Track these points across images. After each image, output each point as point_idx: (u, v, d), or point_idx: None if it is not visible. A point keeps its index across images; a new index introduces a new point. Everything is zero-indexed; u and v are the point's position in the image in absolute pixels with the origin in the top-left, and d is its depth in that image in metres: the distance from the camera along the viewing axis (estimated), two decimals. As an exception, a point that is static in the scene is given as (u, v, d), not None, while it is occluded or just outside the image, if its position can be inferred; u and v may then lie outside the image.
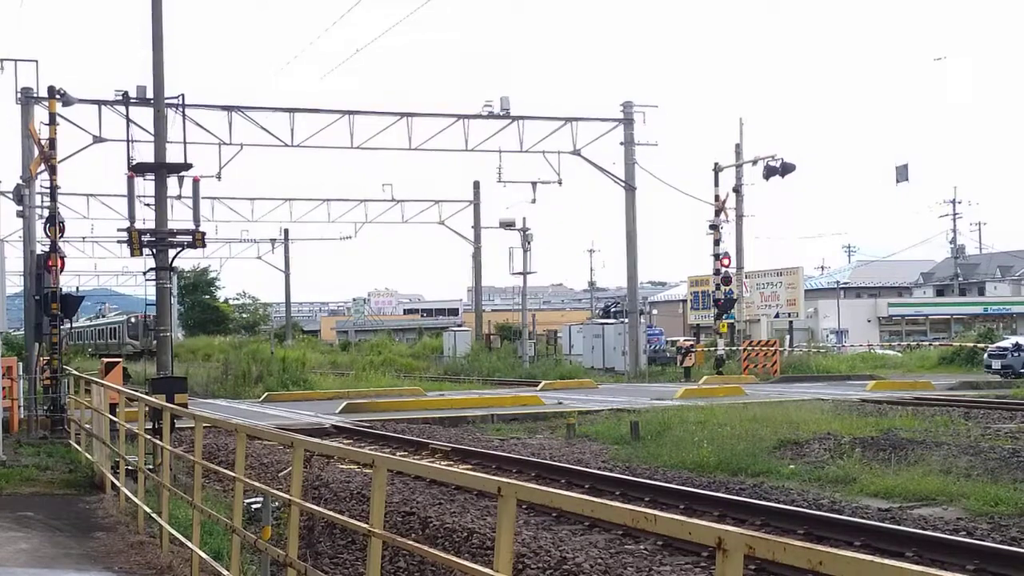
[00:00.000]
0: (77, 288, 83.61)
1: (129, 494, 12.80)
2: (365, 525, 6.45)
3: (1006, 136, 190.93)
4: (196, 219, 23.45)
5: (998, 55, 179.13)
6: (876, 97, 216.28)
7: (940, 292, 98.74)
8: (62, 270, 23.35)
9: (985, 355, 39.85)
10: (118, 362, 21.14)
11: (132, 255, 23.36)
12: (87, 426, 16.95)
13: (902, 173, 47.84)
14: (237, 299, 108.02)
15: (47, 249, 24.28)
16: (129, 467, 13.54)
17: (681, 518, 3.97)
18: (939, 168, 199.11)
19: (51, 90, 24.64)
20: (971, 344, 47.24)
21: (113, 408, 15.32)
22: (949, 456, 16.28)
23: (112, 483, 14.24)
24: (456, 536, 12.15)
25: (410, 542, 6.54)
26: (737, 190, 45.30)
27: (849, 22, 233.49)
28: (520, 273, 52.54)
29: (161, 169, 23.39)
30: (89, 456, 16.37)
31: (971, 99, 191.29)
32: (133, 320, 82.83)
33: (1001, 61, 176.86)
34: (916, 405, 25.51)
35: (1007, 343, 39.29)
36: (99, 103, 37.12)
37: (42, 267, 23.48)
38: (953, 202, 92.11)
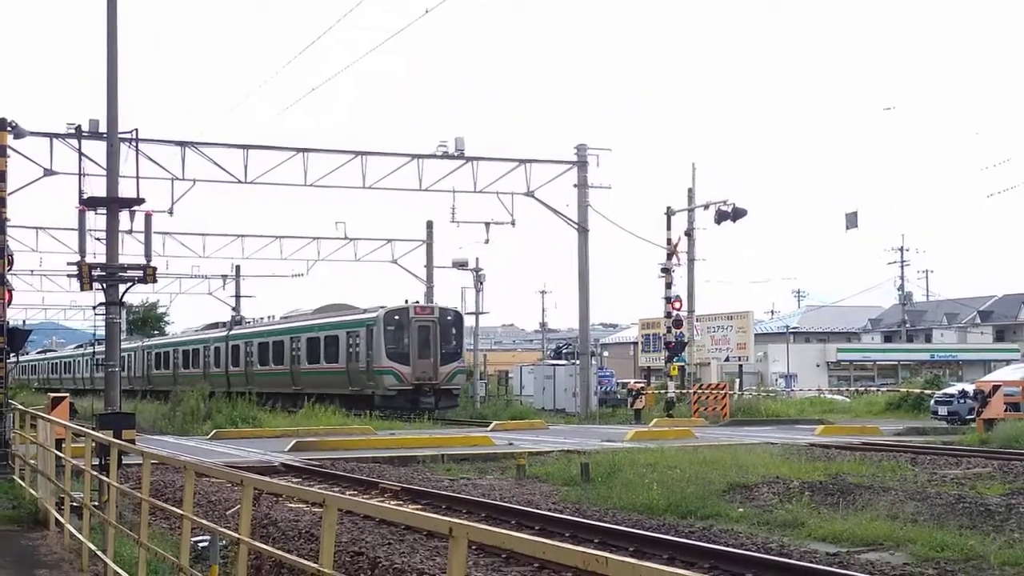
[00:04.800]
0: (24, 322, 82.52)
1: (74, 531, 12.64)
2: (315, 565, 6.41)
3: (953, 185, 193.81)
4: (147, 254, 23.36)
5: (945, 105, 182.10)
6: (827, 145, 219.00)
7: (888, 338, 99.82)
8: (10, 303, 23.05)
9: (932, 401, 40.17)
10: (65, 397, 20.89)
11: (82, 289, 23.20)
12: (32, 461, 16.74)
13: (851, 220, 48.28)
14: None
15: (-5, 282, 24.00)
16: (74, 503, 13.37)
17: (632, 560, 3.98)
18: (887, 216, 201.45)
19: (2, 122, 24.39)
20: (918, 390, 47.65)
21: (59, 443, 15.14)
22: (896, 501, 16.40)
23: (56, 519, 14.04)
24: (405, 577, 12.08)
25: (360, 582, 6.50)
26: (689, 234, 45.60)
27: (801, 71, 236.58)
28: (472, 313, 52.61)
29: (113, 204, 23.28)
30: (33, 492, 16.15)
31: (919, 149, 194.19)
32: None
33: (948, 111, 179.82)
34: (864, 450, 25.70)
35: (953, 390, 39.65)
36: (51, 136, 36.93)
37: (-11, 300, 23.19)
38: (901, 249, 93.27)
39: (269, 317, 61.31)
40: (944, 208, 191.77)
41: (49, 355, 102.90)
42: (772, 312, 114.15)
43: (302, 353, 51.34)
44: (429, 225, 59.00)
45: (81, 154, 26.95)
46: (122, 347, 74.67)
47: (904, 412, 44.96)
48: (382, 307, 46.34)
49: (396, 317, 45.37)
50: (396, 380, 44.35)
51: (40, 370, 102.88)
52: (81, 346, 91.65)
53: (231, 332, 61.21)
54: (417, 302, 47.36)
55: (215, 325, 66.54)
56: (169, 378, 66.46)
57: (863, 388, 66.08)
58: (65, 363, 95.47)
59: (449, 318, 46.86)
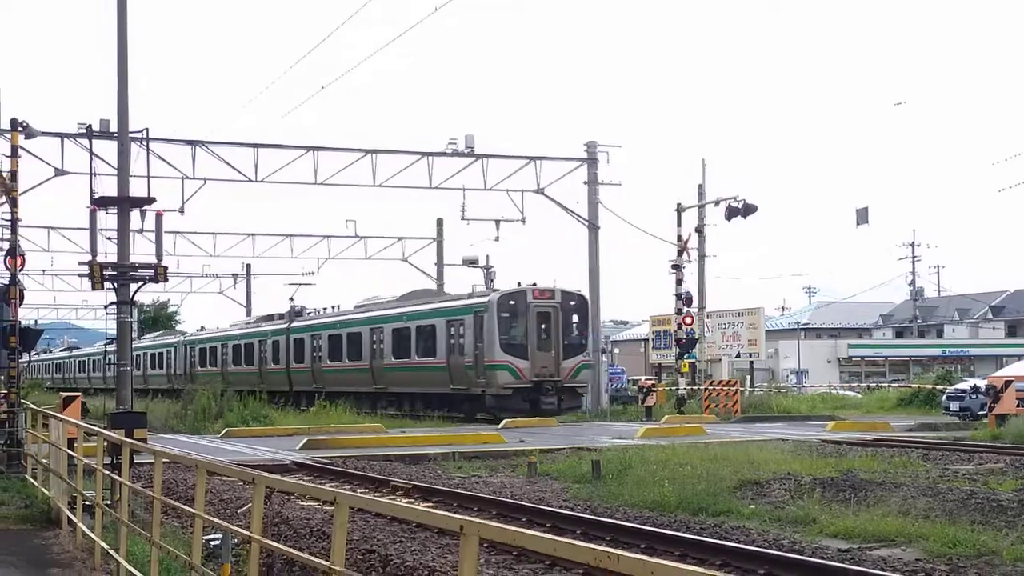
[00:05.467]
0: (36, 321, 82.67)
1: (86, 530, 12.67)
2: (326, 563, 6.43)
3: (964, 180, 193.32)
4: (159, 253, 23.35)
5: (956, 100, 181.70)
6: (837, 141, 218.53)
7: (899, 334, 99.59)
8: (21, 303, 23.14)
9: (943, 397, 40.13)
10: (77, 396, 20.96)
11: (93, 288, 23.19)
12: (44, 461, 16.79)
13: (862, 216, 48.15)
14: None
15: (7, 282, 24.09)
16: (86, 502, 13.41)
17: (644, 558, 3.98)
18: (898, 211, 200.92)
19: (14, 122, 24.51)
20: (929, 386, 47.55)
21: (71, 443, 15.18)
22: (908, 497, 16.37)
23: (69, 518, 14.09)
24: (417, 574, 12.09)
25: (371, 580, 6.51)
26: (699, 230, 45.56)
27: (811, 67, 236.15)
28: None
29: (124, 203, 23.30)
30: (46, 491, 16.20)
31: (930, 144, 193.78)
32: None
33: (959, 106, 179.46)
34: (875, 446, 25.66)
35: (965, 385, 39.59)
36: (62, 136, 37.04)
37: (1, 299, 23.28)
38: (912, 245, 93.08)
39: (334, 307, 55.31)
40: (955, 203, 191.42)
41: (76, 353, 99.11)
42: (783, 308, 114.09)
43: (386, 346, 45.27)
44: (439, 223, 59.02)
45: (92, 154, 27.02)
46: (161, 343, 71.51)
47: (916, 408, 44.88)
48: (495, 290, 40.87)
49: (511, 302, 39.54)
50: (512, 377, 38.55)
51: (65, 368, 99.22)
52: (112, 341, 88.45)
53: (293, 324, 54.84)
54: (534, 284, 40.30)
55: (270, 317, 60.83)
56: (216, 376, 59.45)
57: (874, 384, 65.95)
58: (94, 361, 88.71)
59: (572, 303, 40.98)
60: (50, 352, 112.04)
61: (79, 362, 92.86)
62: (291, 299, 60.42)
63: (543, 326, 39.48)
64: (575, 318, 40.81)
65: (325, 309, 55.76)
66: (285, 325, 55.30)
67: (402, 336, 44.31)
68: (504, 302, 39.32)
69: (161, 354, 73.01)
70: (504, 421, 35.03)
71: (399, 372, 44.22)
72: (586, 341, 41.02)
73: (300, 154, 42.29)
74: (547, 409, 38.13)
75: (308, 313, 56.30)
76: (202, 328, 72.35)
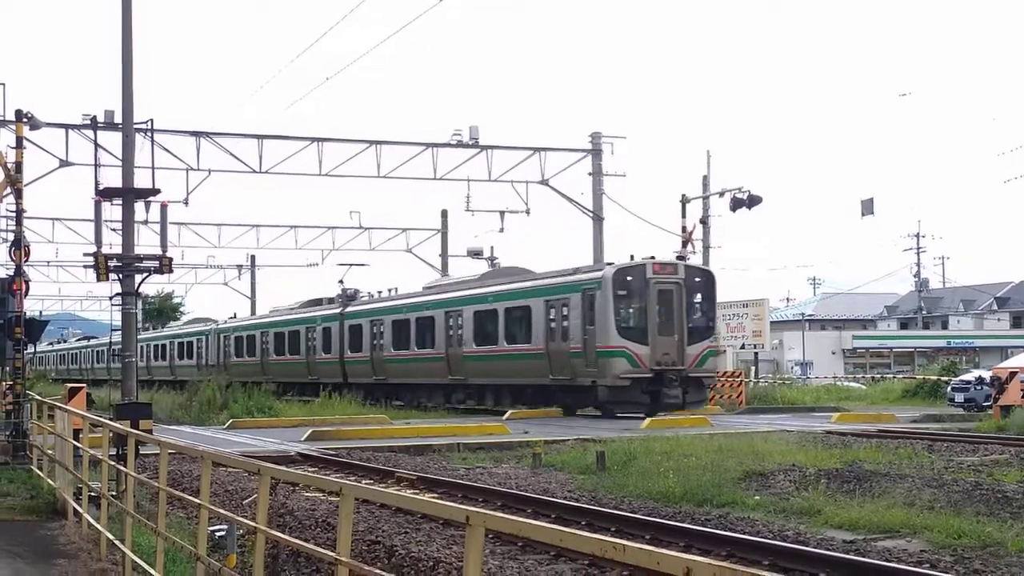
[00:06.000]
0: (41, 312, 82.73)
1: (92, 520, 12.69)
2: (331, 553, 6.43)
3: (969, 171, 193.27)
4: (163, 244, 23.42)
5: (961, 91, 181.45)
6: (842, 132, 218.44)
7: (904, 325, 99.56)
8: (26, 294, 23.15)
9: (948, 388, 40.07)
10: (82, 387, 20.99)
11: (98, 280, 23.26)
12: (50, 452, 16.82)
13: (867, 207, 48.17)
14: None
15: (11, 273, 24.10)
16: (92, 493, 13.43)
17: (649, 548, 3.98)
18: (904, 202, 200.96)
19: (18, 113, 24.49)
20: (934, 377, 47.51)
21: (76, 434, 15.21)
22: (913, 489, 16.36)
23: (74, 509, 14.12)
24: (422, 565, 12.10)
25: (376, 571, 6.52)
26: (704, 221, 45.49)
27: (817, 58, 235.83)
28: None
29: (129, 194, 23.35)
30: (51, 482, 16.23)
31: (935, 135, 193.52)
32: None
33: (964, 97, 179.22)
34: (880, 437, 25.64)
35: (970, 376, 39.52)
36: (67, 127, 36.97)
37: (6, 291, 23.27)
38: (917, 236, 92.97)
39: (391, 290, 50.68)
40: (960, 194, 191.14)
41: (93, 343, 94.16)
42: (788, 299, 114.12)
43: (465, 332, 40.17)
44: (444, 214, 58.96)
45: (97, 145, 26.97)
46: (190, 331, 68.96)
47: (920, 399, 44.84)
48: (608, 264, 35.61)
49: (628, 278, 34.25)
50: (630, 365, 33.39)
51: (82, 359, 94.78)
52: (147, 327, 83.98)
53: (347, 309, 49.73)
54: (652, 257, 35.04)
55: (318, 301, 55.41)
56: (254, 367, 56.40)
57: (879, 375, 65.93)
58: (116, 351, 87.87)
59: (698, 280, 35.90)
60: (65, 342, 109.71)
61: (97, 352, 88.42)
62: (340, 282, 55.63)
63: (664, 306, 34.36)
64: (699, 297, 35.69)
65: (380, 292, 51.77)
66: (338, 310, 50.13)
67: (486, 319, 39.33)
68: (620, 278, 34.00)
69: (190, 343, 68.75)
70: (509, 412, 34.93)
71: (482, 361, 39.23)
72: (713, 323, 36.43)
73: (304, 145, 42.23)
74: (670, 403, 33.35)
75: (362, 297, 51.72)
76: (234, 315, 67.91)
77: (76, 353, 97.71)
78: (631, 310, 34.36)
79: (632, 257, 35.00)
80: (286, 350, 54.55)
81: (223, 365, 60.64)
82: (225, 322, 66.53)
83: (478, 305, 39.80)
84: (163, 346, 74.21)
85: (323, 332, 50.83)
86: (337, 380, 48.46)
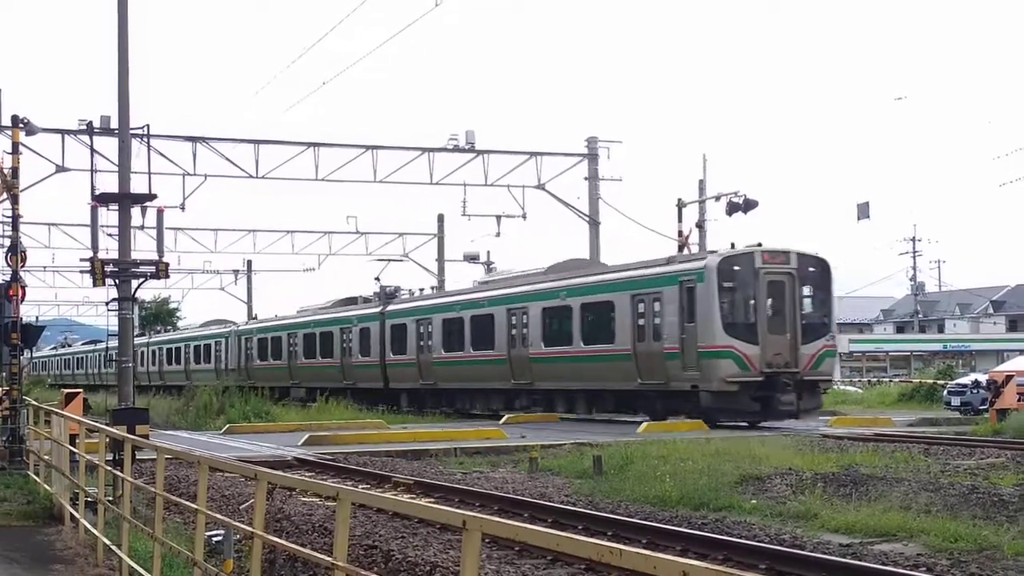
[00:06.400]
0: (37, 318, 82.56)
1: (88, 526, 12.69)
2: (328, 558, 6.44)
3: (965, 175, 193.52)
4: (160, 250, 23.39)
5: (957, 94, 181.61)
6: (838, 135, 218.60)
7: (900, 329, 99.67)
8: (23, 299, 23.16)
9: (944, 392, 40.10)
10: (78, 393, 20.98)
11: (95, 285, 23.24)
12: (46, 457, 16.81)
13: (863, 211, 48.27)
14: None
15: (8, 278, 24.10)
16: (89, 499, 13.43)
17: (646, 552, 3.99)
18: (899, 206, 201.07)
19: (15, 119, 24.51)
20: (931, 381, 47.56)
21: (73, 439, 15.20)
22: (909, 492, 16.37)
23: (71, 515, 14.11)
24: (419, 570, 12.10)
25: (373, 575, 6.53)
26: (700, 225, 45.51)
27: (812, 62, 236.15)
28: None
29: (125, 199, 23.33)
30: (48, 487, 16.23)
31: (931, 138, 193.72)
32: None
33: (960, 100, 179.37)
34: (876, 441, 25.65)
35: (966, 380, 39.53)
36: (63, 132, 37.05)
37: (3, 296, 23.29)
38: (913, 240, 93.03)
39: (434, 288, 48.39)
40: (956, 198, 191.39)
41: (100, 347, 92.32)
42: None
43: (531, 331, 36.53)
44: (440, 218, 59.06)
45: (93, 150, 27.02)
46: (206, 333, 66.83)
47: (917, 403, 44.87)
48: (711, 252, 31.93)
49: (735, 268, 30.53)
50: (738, 367, 29.64)
51: (88, 363, 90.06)
52: (143, 333, 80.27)
53: (389, 307, 46.01)
54: (759, 244, 31.20)
55: (352, 300, 52.08)
56: (280, 371, 53.49)
57: (875, 379, 65.95)
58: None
59: (812, 269, 31.83)
60: (69, 346, 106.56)
61: (104, 357, 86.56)
62: (377, 279, 52.36)
63: (775, 300, 30.82)
64: (813, 288, 31.93)
65: (422, 290, 49.24)
66: (378, 309, 46.32)
67: (558, 317, 35.74)
68: (726, 268, 30.32)
69: (208, 346, 65.13)
70: (505, 417, 34.83)
71: (553, 363, 35.48)
72: (829, 319, 32.32)
73: (301, 150, 42.29)
74: (784, 411, 29.96)
75: (403, 294, 48.41)
76: (255, 316, 64.57)
77: (82, 358, 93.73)
78: (739, 304, 30.72)
79: (732, 245, 31.51)
80: (317, 352, 51.05)
81: (245, 369, 57.74)
82: (247, 323, 63.16)
83: (547, 301, 36.20)
84: (177, 349, 70.91)
85: (361, 333, 47.18)
86: (376, 385, 45.76)
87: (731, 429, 29.31)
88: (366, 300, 50.14)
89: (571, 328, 34.96)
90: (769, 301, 30.68)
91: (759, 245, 30.90)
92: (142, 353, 75.06)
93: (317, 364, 50.80)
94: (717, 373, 29.65)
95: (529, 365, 36.55)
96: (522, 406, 37.15)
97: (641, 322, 32.22)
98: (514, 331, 37.48)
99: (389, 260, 59.83)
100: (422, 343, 42.68)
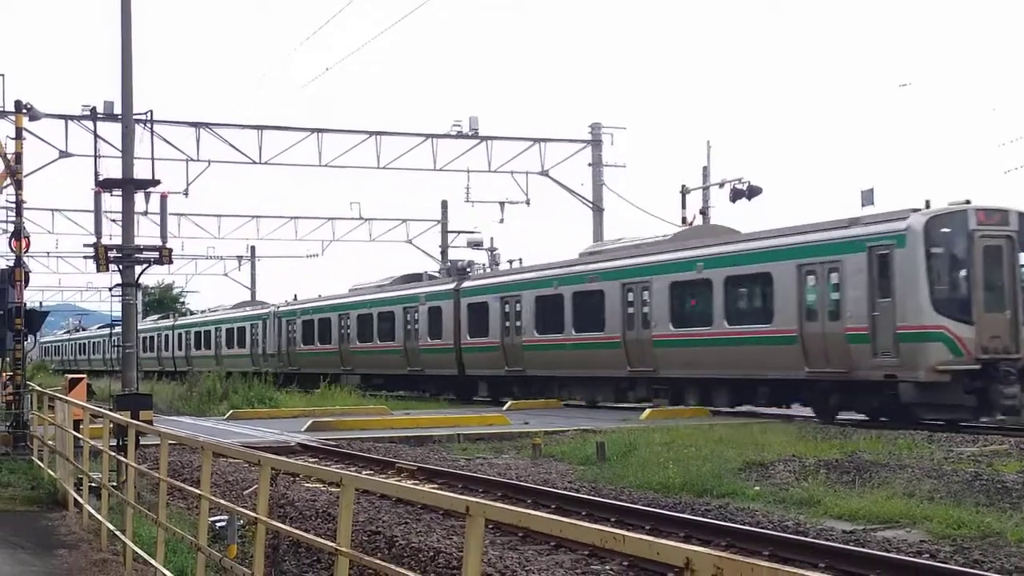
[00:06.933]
0: (41, 303, 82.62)
1: (92, 511, 12.71)
2: (332, 544, 6.45)
3: (970, 161, 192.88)
4: (163, 235, 23.39)
5: (962, 81, 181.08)
6: (842, 122, 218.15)
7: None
8: (27, 285, 23.17)
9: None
10: (82, 378, 21.00)
11: (98, 271, 23.26)
12: (50, 443, 16.84)
13: (867, 197, 47.92)
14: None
15: (12, 263, 24.11)
16: (93, 484, 13.45)
17: (649, 538, 3.98)
18: (903, 192, 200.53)
19: (18, 104, 24.49)
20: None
21: (77, 425, 15.22)
22: (912, 479, 16.37)
23: (75, 500, 14.14)
24: (422, 556, 12.12)
25: (377, 561, 6.53)
26: (704, 212, 45.46)
27: (816, 47, 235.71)
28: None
29: (128, 185, 23.32)
30: (52, 473, 16.26)
31: (935, 125, 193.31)
32: None
33: (964, 87, 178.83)
34: (880, 428, 25.64)
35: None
36: (66, 118, 37.05)
37: (6, 282, 23.28)
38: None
39: (511, 262, 42.86)
40: (961, 184, 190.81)
41: (117, 331, 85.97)
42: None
43: (656, 310, 31.43)
44: (444, 205, 59.01)
45: (96, 136, 26.97)
46: (240, 315, 63.60)
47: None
48: (913, 210, 25.39)
49: (945, 230, 25.27)
50: (950, 352, 24.45)
51: (104, 348, 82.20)
52: (167, 316, 77.68)
53: (464, 284, 41.03)
54: (968, 202, 25.66)
55: (415, 277, 47.38)
56: (331, 357, 49.01)
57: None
58: (147, 339, 74.74)
59: None
60: (83, 330, 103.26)
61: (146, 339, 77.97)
62: (443, 253, 49.27)
63: (991, 269, 25.33)
64: None
65: (498, 265, 44.50)
66: (451, 285, 41.43)
67: (692, 293, 30.99)
68: (934, 230, 25.02)
69: (241, 329, 60.51)
70: (509, 403, 34.73)
71: (685, 347, 30.58)
72: None
73: (304, 136, 42.29)
74: (1007, 405, 24.67)
75: (477, 269, 44.21)
76: (295, 297, 57.97)
77: (97, 342, 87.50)
78: (949, 276, 25.51)
79: (928, 203, 25.58)
80: (374, 335, 46.15)
81: (286, 355, 53.94)
82: (287, 305, 56.86)
83: (678, 274, 30.87)
84: (207, 333, 66.06)
85: (429, 313, 42.13)
86: (448, 372, 41.48)
87: (733, 415, 29.30)
88: (431, 277, 46.31)
89: (711, 305, 29.65)
90: (984, 271, 25.19)
91: (968, 203, 25.53)
92: (167, 337, 72.78)
93: (375, 348, 46.19)
94: (924, 360, 24.40)
95: (651, 350, 31.48)
96: (639, 397, 33.06)
97: (811, 298, 26.83)
98: (631, 309, 32.30)
99: (458, 233, 54.13)
100: (508, 324, 37.57)
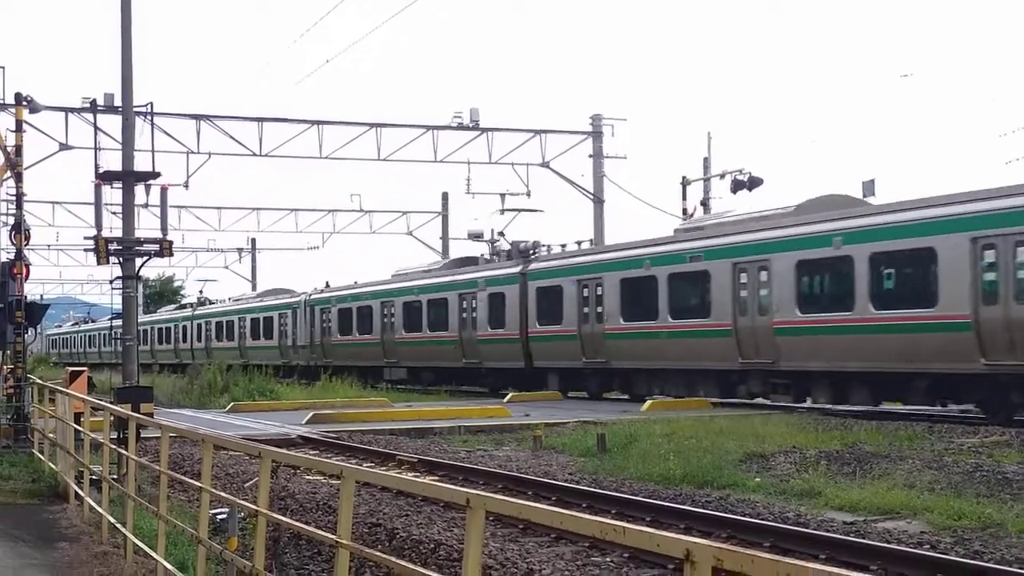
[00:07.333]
0: (41, 296, 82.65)
1: (93, 504, 12.72)
2: (333, 536, 6.44)
3: (971, 152, 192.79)
4: (163, 228, 23.41)
5: (962, 72, 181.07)
6: (843, 113, 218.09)
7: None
8: (27, 278, 23.16)
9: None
10: (83, 371, 21.01)
11: (99, 263, 23.26)
12: (51, 435, 16.85)
13: (868, 188, 47.94)
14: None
15: (12, 256, 24.10)
16: (93, 477, 13.45)
17: (649, 530, 3.98)
18: (905, 184, 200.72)
19: (18, 96, 24.46)
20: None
21: (78, 417, 15.23)
22: (913, 470, 16.38)
23: (76, 493, 14.15)
24: (423, 548, 12.13)
25: (378, 553, 6.53)
26: (705, 203, 45.49)
27: (817, 39, 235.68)
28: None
29: (129, 177, 23.32)
30: (53, 466, 16.27)
31: (936, 116, 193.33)
32: None
33: (965, 77, 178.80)
34: (880, 419, 25.64)
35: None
36: (66, 110, 37.05)
37: (7, 275, 23.28)
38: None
39: (579, 243, 38.77)
40: (962, 175, 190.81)
41: (144, 320, 74.66)
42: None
43: (777, 293, 27.27)
44: (444, 196, 59.06)
45: (96, 128, 26.94)
46: (266, 304, 59.54)
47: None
48: None
49: None
50: None
51: (115, 340, 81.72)
52: (186, 306, 76.11)
53: (531, 267, 37.06)
54: None
55: (471, 260, 43.63)
56: (373, 348, 45.34)
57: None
58: (164, 330, 73.62)
59: None
60: (94, 321, 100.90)
61: (161, 330, 75.46)
62: (501, 234, 43.39)
63: None
64: None
65: (564, 246, 39.26)
66: (516, 269, 37.57)
67: (824, 273, 27.02)
68: None
69: (269, 319, 56.66)
70: (510, 395, 34.83)
71: (816, 336, 26.45)
72: None
73: (305, 128, 42.29)
74: None
75: (542, 250, 39.64)
76: (327, 285, 53.40)
77: (107, 334, 78.65)
78: None
79: None
80: (424, 325, 42.22)
81: (320, 346, 50.31)
82: (318, 292, 52.59)
83: (806, 251, 26.71)
84: (229, 323, 62.14)
85: (490, 299, 38.25)
86: (513, 364, 37.57)
87: (734, 407, 29.29)
88: (487, 260, 42.06)
89: (851, 288, 25.49)
90: None
91: None
92: (184, 328, 69.59)
93: (424, 339, 42.27)
94: None
95: (771, 339, 27.43)
96: (752, 392, 29.40)
97: (990, 277, 22.60)
98: (743, 293, 28.31)
99: (518, 211, 48.57)
100: (587, 310, 33.75)
